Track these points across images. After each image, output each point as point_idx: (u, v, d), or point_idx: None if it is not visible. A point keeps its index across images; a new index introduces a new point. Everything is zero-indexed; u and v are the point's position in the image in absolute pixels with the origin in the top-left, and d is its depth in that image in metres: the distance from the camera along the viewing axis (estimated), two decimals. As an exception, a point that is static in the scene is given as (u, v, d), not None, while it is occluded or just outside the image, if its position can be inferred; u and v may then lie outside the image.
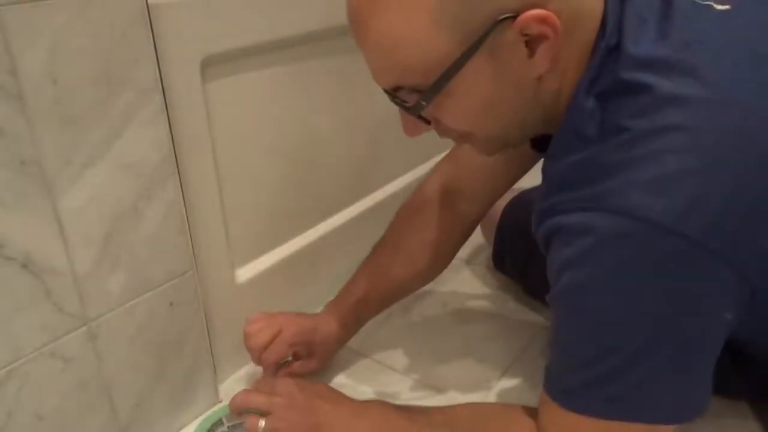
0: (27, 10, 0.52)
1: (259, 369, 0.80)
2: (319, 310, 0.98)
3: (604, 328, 0.52)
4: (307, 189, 0.93)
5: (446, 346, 0.91)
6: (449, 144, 1.31)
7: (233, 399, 0.70)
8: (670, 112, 0.48)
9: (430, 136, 1.12)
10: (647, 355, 0.51)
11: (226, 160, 0.77)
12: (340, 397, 0.71)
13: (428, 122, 0.57)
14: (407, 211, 0.86)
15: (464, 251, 1.13)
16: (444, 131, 0.59)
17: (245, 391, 0.72)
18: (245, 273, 0.85)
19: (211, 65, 0.71)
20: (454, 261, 1.11)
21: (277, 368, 0.79)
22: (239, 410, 0.70)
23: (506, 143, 0.60)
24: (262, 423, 0.66)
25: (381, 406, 0.70)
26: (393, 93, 0.54)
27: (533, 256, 0.79)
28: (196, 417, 0.79)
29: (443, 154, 1.21)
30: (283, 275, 0.91)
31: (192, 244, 0.72)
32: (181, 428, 0.78)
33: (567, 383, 0.57)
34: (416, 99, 0.53)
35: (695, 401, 0.55)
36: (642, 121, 0.49)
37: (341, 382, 0.86)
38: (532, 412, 0.63)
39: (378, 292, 0.84)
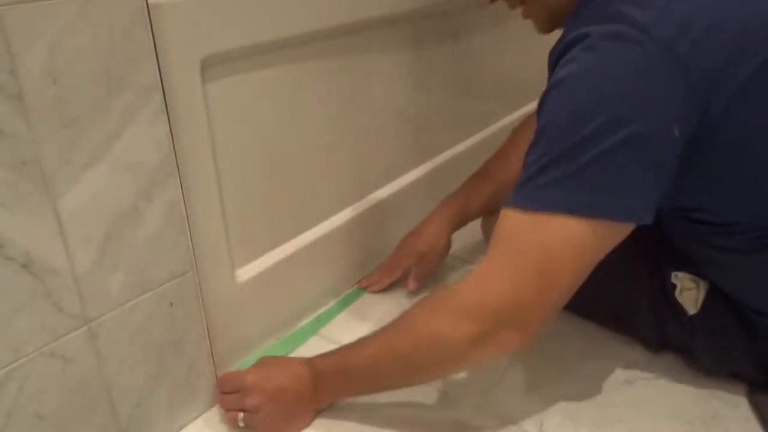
0: (27, 10, 0.52)
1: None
2: (320, 310, 1.00)
3: (566, 115, 0.60)
4: (307, 189, 0.93)
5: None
6: (443, 146, 1.31)
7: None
8: None
9: (429, 137, 1.12)
10: (593, 144, 0.58)
11: (226, 160, 0.77)
12: (291, 372, 0.77)
13: None
14: (518, 126, 1.02)
15: (464, 251, 1.14)
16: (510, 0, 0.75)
17: (220, 397, 0.79)
18: (245, 273, 0.85)
19: (211, 65, 0.71)
20: (454, 261, 1.12)
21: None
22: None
23: (553, 12, 0.72)
24: (241, 416, 0.75)
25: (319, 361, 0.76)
26: None
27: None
28: (196, 417, 0.80)
29: (441, 156, 1.22)
30: (283, 275, 0.91)
31: (192, 244, 0.72)
32: (181, 428, 0.78)
33: (518, 186, 0.63)
34: None
35: (626, 204, 0.60)
36: None
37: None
38: None
39: (482, 192, 1.00)
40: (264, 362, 0.80)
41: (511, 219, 0.63)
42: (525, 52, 1.34)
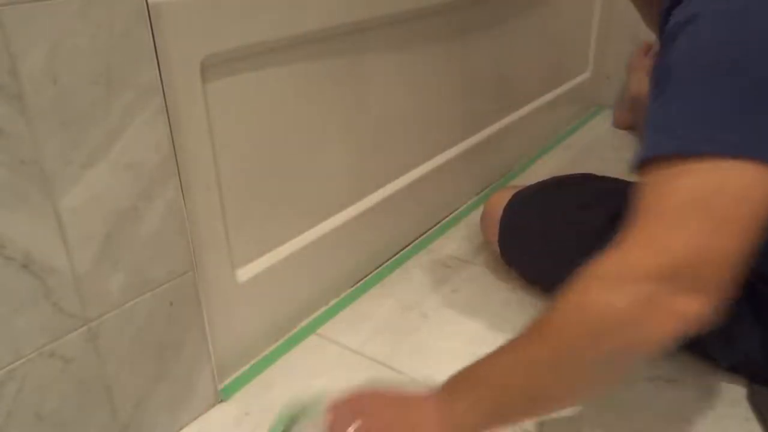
0: (27, 10, 0.52)
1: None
2: (320, 310, 1.00)
3: (707, 53, 0.55)
4: (307, 189, 0.93)
5: (448, 347, 0.91)
6: (443, 146, 1.31)
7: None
8: None
9: (429, 137, 1.12)
10: (739, 79, 0.53)
11: (226, 160, 0.77)
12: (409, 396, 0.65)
13: None
14: None
15: (465, 251, 1.14)
16: None
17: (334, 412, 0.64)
18: (245, 273, 0.85)
19: (212, 65, 0.72)
20: (454, 261, 1.12)
21: None
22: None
23: None
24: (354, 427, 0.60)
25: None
26: None
27: (539, 244, 0.92)
28: (196, 417, 0.79)
29: (441, 156, 1.22)
30: (283, 275, 0.91)
31: (192, 244, 0.73)
32: (181, 428, 0.78)
33: (647, 139, 0.57)
34: None
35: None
36: None
37: (343, 383, 0.85)
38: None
39: None
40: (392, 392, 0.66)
41: (655, 175, 0.55)
42: (527, 51, 1.34)
